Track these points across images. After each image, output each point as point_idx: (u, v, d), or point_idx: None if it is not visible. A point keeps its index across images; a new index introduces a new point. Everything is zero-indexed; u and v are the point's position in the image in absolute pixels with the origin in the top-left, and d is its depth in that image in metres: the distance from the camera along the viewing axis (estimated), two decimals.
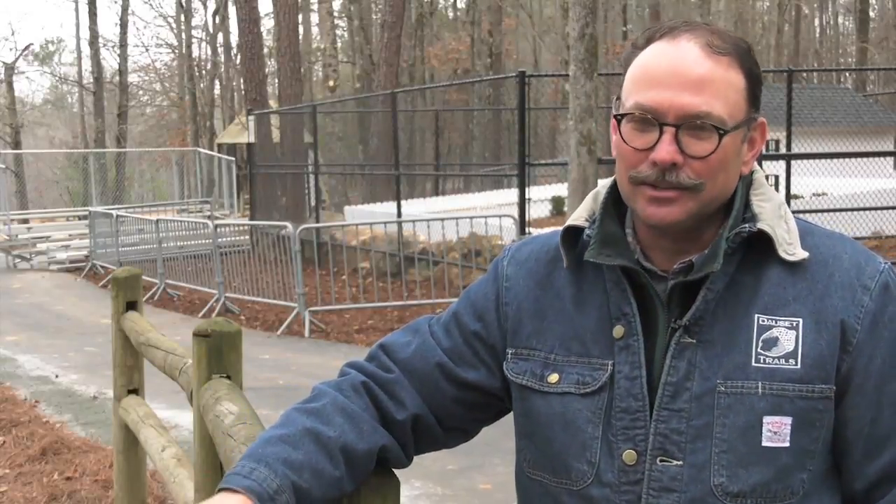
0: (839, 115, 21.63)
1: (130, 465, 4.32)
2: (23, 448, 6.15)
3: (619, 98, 1.37)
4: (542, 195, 16.40)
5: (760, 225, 1.35)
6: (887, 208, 12.92)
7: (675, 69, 1.31)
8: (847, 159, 13.09)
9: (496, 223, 11.62)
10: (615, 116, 1.36)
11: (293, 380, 8.15)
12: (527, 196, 10.58)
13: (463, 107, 32.78)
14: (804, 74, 29.91)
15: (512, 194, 12.27)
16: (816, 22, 43.92)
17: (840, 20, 45.54)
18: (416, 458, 1.50)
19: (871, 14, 37.57)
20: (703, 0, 31.55)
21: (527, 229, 10.57)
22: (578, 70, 9.21)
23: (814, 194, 14.68)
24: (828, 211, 12.32)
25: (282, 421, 1.39)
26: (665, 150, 1.30)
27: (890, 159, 17.13)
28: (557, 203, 17.29)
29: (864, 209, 12.74)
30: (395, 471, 1.46)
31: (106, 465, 5.62)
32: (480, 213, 13.93)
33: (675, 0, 34.57)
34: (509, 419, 1.56)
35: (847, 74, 34.48)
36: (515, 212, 10.76)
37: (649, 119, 1.31)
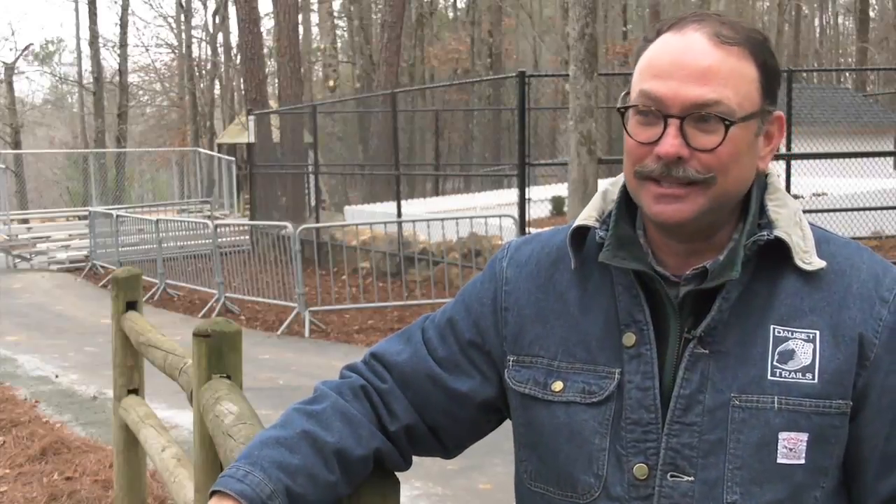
0: (839, 115, 21.59)
1: (130, 465, 4.32)
2: (23, 448, 6.15)
3: (627, 93, 1.33)
4: (542, 195, 16.37)
5: (777, 232, 1.29)
6: (887, 208, 12.92)
7: (679, 60, 1.26)
8: (847, 159, 13.08)
9: (496, 223, 11.61)
10: (618, 109, 1.32)
11: (293, 380, 8.14)
12: (527, 196, 10.56)
13: (463, 107, 32.75)
14: (804, 74, 29.88)
15: (512, 194, 12.26)
16: (816, 22, 43.89)
17: (840, 20, 45.54)
18: (416, 459, 1.49)
19: (871, 14, 37.55)
20: (703, 0, 31.54)
21: (527, 229, 10.56)
22: (578, 70, 9.21)
23: (814, 194, 14.66)
24: (828, 211, 12.31)
25: (281, 421, 1.38)
26: (669, 143, 1.25)
27: (890, 159, 17.12)
28: (557, 203, 17.27)
29: (864, 209, 12.74)
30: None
31: (106, 465, 5.61)
32: (480, 213, 13.92)
33: (676, 0, 34.56)
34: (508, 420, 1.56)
35: (847, 74, 34.47)
36: (515, 212, 10.75)
37: (653, 111, 1.26)
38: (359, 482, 1.38)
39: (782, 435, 1.26)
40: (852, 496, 1.34)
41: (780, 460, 1.26)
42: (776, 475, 1.26)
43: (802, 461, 1.26)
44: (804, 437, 1.26)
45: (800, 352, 1.28)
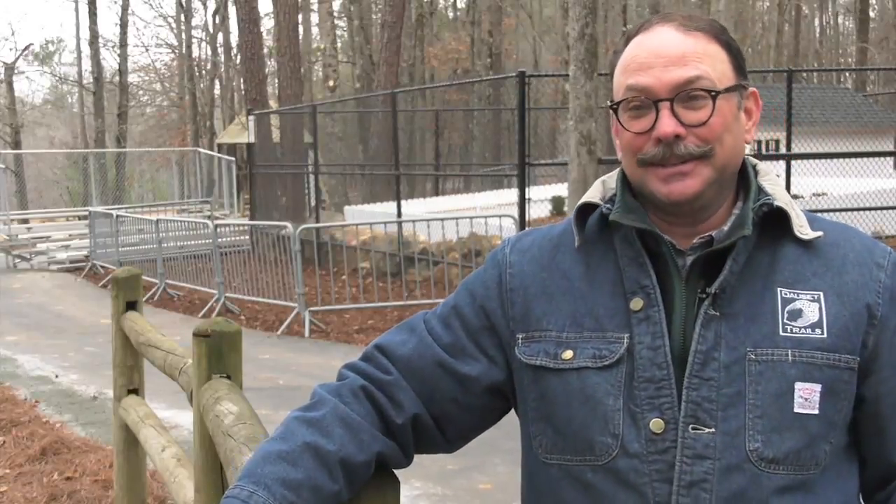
0: (839, 115, 21.59)
1: (130, 465, 4.32)
2: (23, 448, 6.15)
3: (611, 100, 1.41)
4: (542, 195, 16.37)
5: (778, 203, 1.38)
6: (887, 208, 12.93)
7: (656, 51, 1.35)
8: (847, 159, 13.09)
9: (496, 223, 11.62)
10: (611, 107, 1.39)
11: (293, 380, 8.15)
12: (527, 196, 10.57)
13: (463, 107, 32.73)
14: (804, 74, 29.89)
15: (512, 194, 12.27)
16: (816, 22, 43.88)
17: (840, 20, 45.53)
18: (416, 458, 1.49)
19: (871, 14, 37.54)
20: (703, 0, 31.54)
21: (527, 229, 10.57)
22: (578, 70, 9.22)
23: (814, 194, 14.67)
24: (828, 211, 12.31)
25: (281, 432, 1.38)
26: (665, 123, 1.33)
27: (890, 159, 17.12)
28: (557, 203, 17.27)
29: (864, 209, 12.74)
30: (395, 470, 1.45)
31: (106, 465, 5.62)
32: (480, 213, 13.93)
33: (675, 0, 34.55)
34: (508, 419, 1.55)
35: (847, 74, 34.46)
36: (515, 212, 10.76)
37: (643, 101, 1.35)
38: (360, 486, 1.39)
39: (798, 385, 1.33)
40: (873, 453, 1.41)
41: (796, 409, 1.33)
42: (794, 424, 1.33)
43: (817, 411, 1.33)
44: (818, 388, 1.33)
45: (807, 311, 1.35)
